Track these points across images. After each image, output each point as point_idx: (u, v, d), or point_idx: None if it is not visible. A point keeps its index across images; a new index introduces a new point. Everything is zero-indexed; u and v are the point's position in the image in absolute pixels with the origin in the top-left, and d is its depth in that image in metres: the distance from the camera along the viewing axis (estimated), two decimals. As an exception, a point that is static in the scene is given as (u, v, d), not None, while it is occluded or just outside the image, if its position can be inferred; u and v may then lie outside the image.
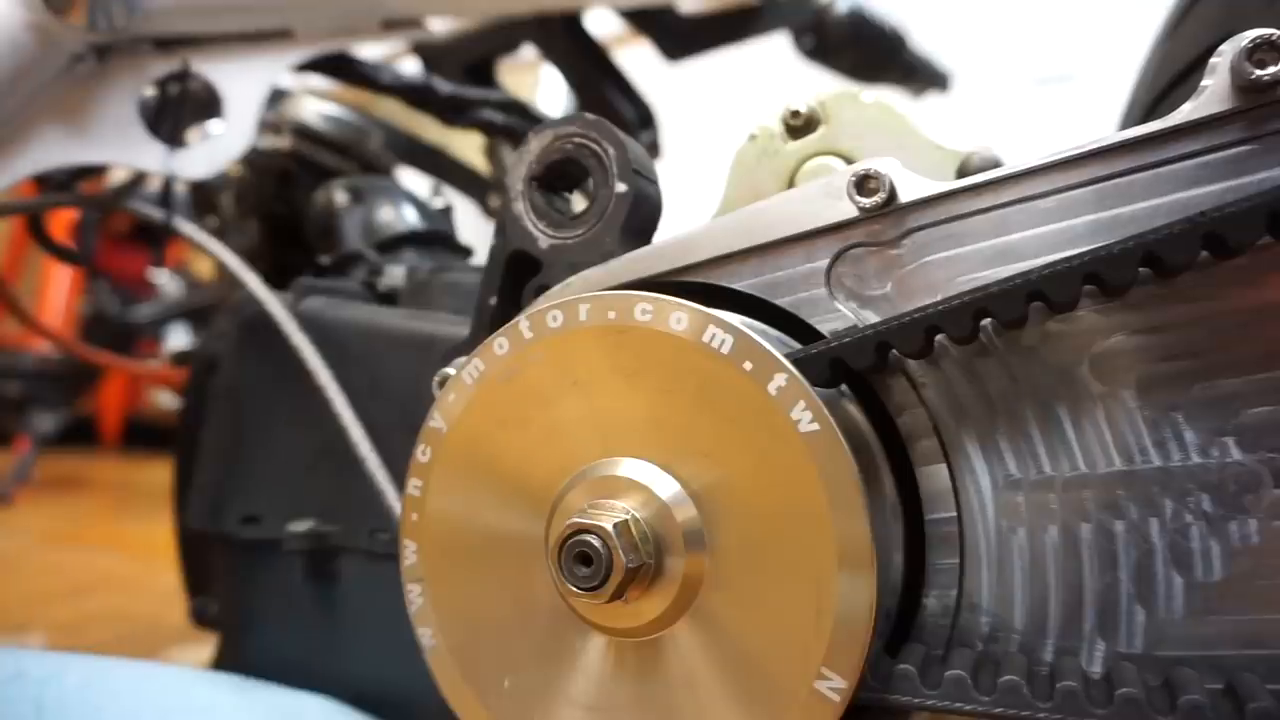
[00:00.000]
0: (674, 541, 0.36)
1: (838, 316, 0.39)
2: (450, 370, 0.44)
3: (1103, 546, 0.36)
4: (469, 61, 1.04)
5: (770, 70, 1.22)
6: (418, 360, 0.60)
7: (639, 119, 1.00)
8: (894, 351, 0.37)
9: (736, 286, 0.41)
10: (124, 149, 0.68)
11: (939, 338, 0.36)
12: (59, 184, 0.80)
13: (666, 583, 0.36)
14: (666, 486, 0.36)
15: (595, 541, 0.35)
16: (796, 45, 1.04)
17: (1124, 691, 0.32)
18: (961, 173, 0.50)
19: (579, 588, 0.35)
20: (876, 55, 1.05)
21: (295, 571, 0.65)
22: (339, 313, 0.67)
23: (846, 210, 0.39)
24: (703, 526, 0.36)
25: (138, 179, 0.76)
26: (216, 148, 0.70)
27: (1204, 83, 0.34)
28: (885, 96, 0.52)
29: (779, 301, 0.40)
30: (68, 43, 0.65)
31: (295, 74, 0.81)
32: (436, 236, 0.83)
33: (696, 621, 0.36)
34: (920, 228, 0.38)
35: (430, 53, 1.04)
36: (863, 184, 0.38)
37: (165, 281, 2.07)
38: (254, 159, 0.92)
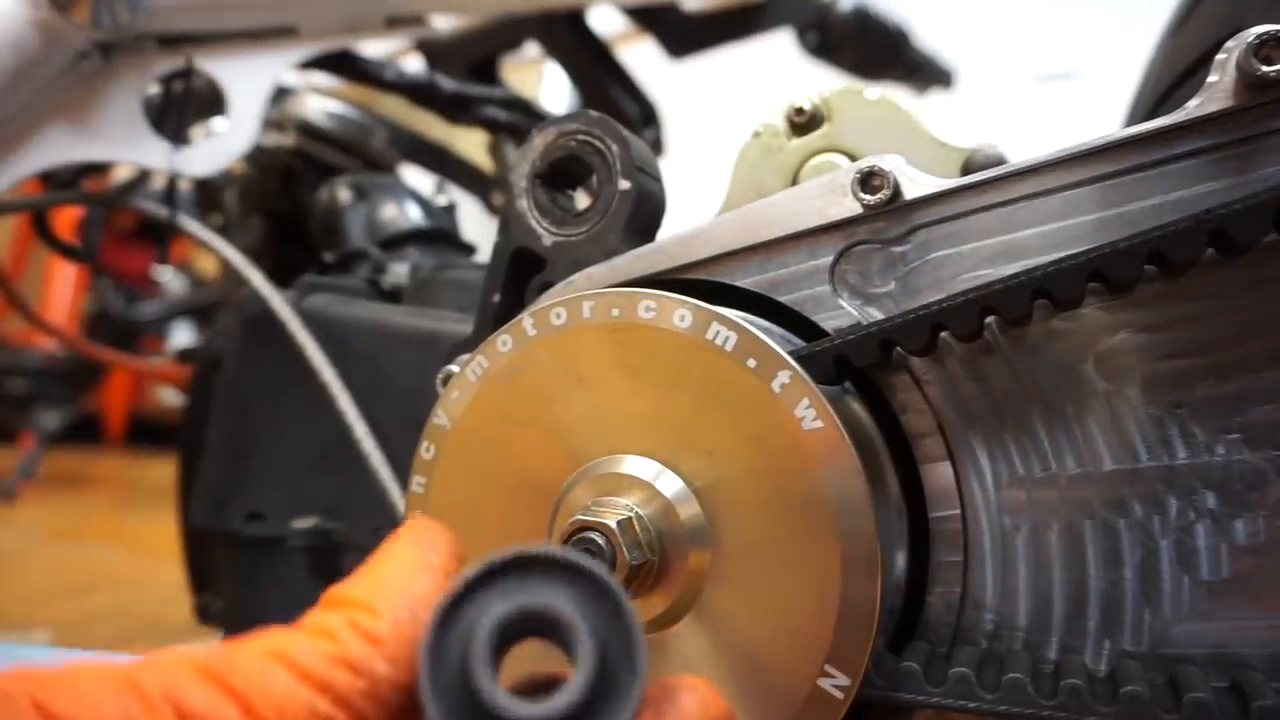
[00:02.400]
0: (678, 539, 0.36)
1: (841, 314, 0.39)
2: (454, 367, 0.44)
3: (1107, 544, 0.35)
4: (473, 59, 1.04)
5: (774, 68, 1.22)
6: (421, 357, 0.60)
7: (642, 116, 1.00)
8: (898, 349, 0.36)
9: (740, 284, 0.41)
10: (128, 146, 0.69)
11: (943, 335, 0.36)
12: (64, 181, 0.81)
13: (670, 580, 0.36)
14: (670, 484, 0.36)
15: (599, 538, 0.35)
16: (800, 42, 1.04)
17: (1129, 689, 0.32)
18: (966, 169, 0.50)
19: (583, 585, 0.35)
20: (880, 52, 1.05)
21: (299, 568, 0.65)
22: (343, 310, 0.67)
23: (850, 207, 0.39)
24: (706, 524, 0.36)
25: (142, 176, 0.76)
26: (220, 145, 0.70)
27: (1210, 79, 0.34)
28: (889, 94, 0.52)
29: (782, 299, 0.40)
30: (72, 40, 0.65)
31: (299, 71, 0.81)
32: (440, 234, 0.83)
33: (700, 619, 0.36)
34: (924, 225, 0.38)
35: (434, 50, 1.04)
36: (867, 181, 0.38)
37: (169, 279, 2.08)
38: (258, 156, 0.92)
